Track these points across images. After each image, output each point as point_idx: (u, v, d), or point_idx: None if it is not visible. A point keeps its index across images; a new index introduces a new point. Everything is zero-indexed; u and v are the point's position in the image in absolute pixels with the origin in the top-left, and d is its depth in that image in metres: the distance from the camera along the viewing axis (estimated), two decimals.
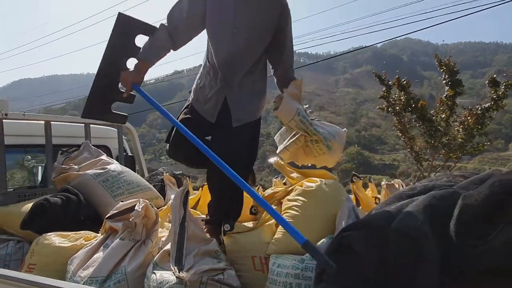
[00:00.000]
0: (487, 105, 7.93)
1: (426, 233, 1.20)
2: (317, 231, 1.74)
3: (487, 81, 8.14)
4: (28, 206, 2.53)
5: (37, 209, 2.31)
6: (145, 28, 2.07)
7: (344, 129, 2.22)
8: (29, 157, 4.51)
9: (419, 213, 1.30)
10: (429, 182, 1.65)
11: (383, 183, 2.42)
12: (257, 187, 2.49)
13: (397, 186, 2.39)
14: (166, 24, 2.03)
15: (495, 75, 8.33)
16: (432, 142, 8.56)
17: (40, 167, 4.58)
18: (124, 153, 3.79)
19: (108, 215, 2.02)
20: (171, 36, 2.02)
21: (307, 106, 2.12)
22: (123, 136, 3.84)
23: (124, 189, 2.66)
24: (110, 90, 2.08)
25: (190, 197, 2.20)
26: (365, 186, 2.66)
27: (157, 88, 47.25)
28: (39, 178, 4.45)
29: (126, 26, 2.00)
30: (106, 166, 2.81)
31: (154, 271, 1.67)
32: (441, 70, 8.42)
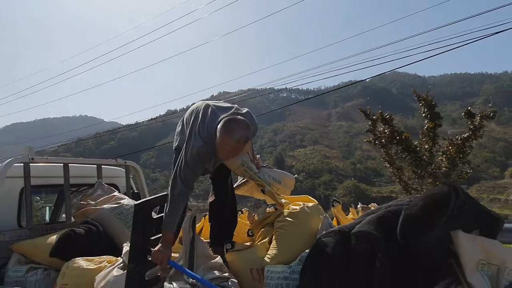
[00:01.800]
0: (465, 135, 8.52)
1: (376, 235, 1.62)
2: (302, 244, 2.15)
3: (463, 113, 8.78)
4: (51, 238, 2.91)
5: (64, 239, 2.69)
6: (160, 200, 2.24)
7: (295, 176, 2.94)
8: (38, 198, 4.89)
9: (373, 222, 1.73)
10: (392, 203, 2.09)
11: (358, 206, 2.84)
12: (254, 215, 2.91)
13: (372, 208, 2.80)
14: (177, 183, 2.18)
15: (478, 105, 8.96)
16: (419, 171, 9.04)
17: (47, 207, 4.97)
18: (131, 190, 4.18)
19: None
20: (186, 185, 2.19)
21: (258, 156, 2.83)
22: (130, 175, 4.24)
23: None
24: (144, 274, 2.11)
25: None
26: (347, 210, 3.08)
27: (151, 128, 47.84)
28: (47, 216, 4.80)
29: (143, 212, 2.13)
30: (120, 201, 3.21)
31: (172, 282, 2.05)
32: (420, 104, 9.09)
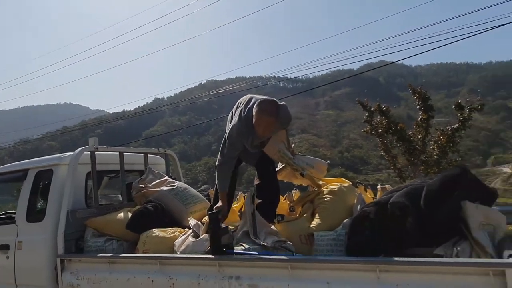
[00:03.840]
0: (455, 126, 9.27)
1: (407, 205, 2.23)
2: (341, 215, 2.75)
3: (454, 106, 9.51)
4: (120, 215, 3.46)
5: (139, 214, 3.25)
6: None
7: (327, 161, 3.41)
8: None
9: (403, 195, 2.34)
10: (411, 182, 2.71)
11: (378, 186, 3.46)
12: (292, 195, 3.52)
13: (387, 188, 3.43)
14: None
15: (470, 96, 9.78)
16: (412, 159, 9.77)
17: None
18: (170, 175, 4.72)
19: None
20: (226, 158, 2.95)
21: (293, 145, 3.37)
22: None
23: (191, 200, 3.62)
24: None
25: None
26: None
27: (138, 116, 47.66)
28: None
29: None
30: (174, 184, 3.76)
31: (242, 244, 2.63)
32: (415, 97, 9.80)
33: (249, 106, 2.89)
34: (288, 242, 2.66)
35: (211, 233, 2.65)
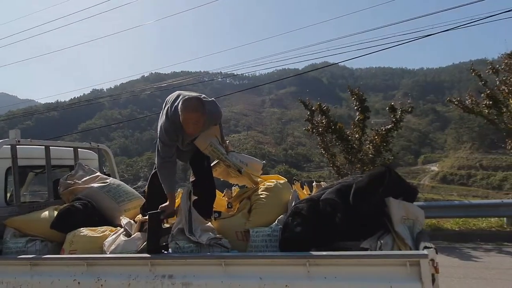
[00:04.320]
0: (388, 126, 9.89)
1: (337, 201, 2.32)
2: (277, 211, 2.80)
3: (387, 108, 10.15)
4: (44, 213, 3.22)
5: (65, 213, 3.04)
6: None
7: (263, 161, 3.44)
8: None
9: (334, 192, 2.44)
10: (341, 181, 2.82)
11: (314, 183, 3.57)
12: (230, 192, 3.51)
13: (322, 185, 3.56)
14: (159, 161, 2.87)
15: (403, 99, 10.42)
16: (350, 158, 10.25)
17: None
18: (103, 172, 4.49)
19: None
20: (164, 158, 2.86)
21: (228, 141, 3.31)
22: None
23: (125, 197, 3.47)
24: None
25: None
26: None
27: (73, 107, 44.87)
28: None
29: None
30: (106, 181, 3.58)
31: (175, 241, 2.57)
32: (353, 98, 10.30)
33: (175, 104, 2.80)
34: (224, 239, 2.65)
35: (149, 232, 2.55)
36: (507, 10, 9.45)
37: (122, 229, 2.88)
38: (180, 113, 2.68)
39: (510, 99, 9.45)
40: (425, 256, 1.90)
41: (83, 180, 3.60)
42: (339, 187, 2.53)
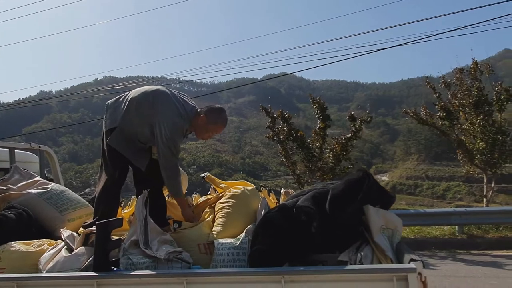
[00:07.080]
0: (348, 135, 10.00)
1: (313, 209, 2.10)
2: (244, 221, 2.53)
3: (347, 116, 10.27)
4: None
5: None
6: None
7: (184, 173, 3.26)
8: None
9: (309, 199, 2.21)
10: (312, 187, 2.62)
11: (282, 191, 3.34)
12: (196, 193, 3.20)
13: (291, 192, 3.34)
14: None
15: (358, 111, 10.73)
16: (310, 166, 10.22)
17: None
18: (45, 176, 3.99)
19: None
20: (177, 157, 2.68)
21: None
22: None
23: (68, 205, 3.03)
24: None
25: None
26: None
27: (16, 108, 41.97)
28: None
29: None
30: (47, 186, 3.13)
31: (127, 255, 2.21)
32: (314, 106, 10.33)
33: (182, 101, 2.71)
34: (185, 253, 2.33)
35: (96, 246, 2.16)
36: (455, 28, 10.04)
37: (63, 243, 2.47)
38: (214, 120, 2.68)
39: (461, 112, 9.90)
40: (413, 270, 1.71)
41: (19, 185, 3.12)
42: (313, 194, 2.31)
